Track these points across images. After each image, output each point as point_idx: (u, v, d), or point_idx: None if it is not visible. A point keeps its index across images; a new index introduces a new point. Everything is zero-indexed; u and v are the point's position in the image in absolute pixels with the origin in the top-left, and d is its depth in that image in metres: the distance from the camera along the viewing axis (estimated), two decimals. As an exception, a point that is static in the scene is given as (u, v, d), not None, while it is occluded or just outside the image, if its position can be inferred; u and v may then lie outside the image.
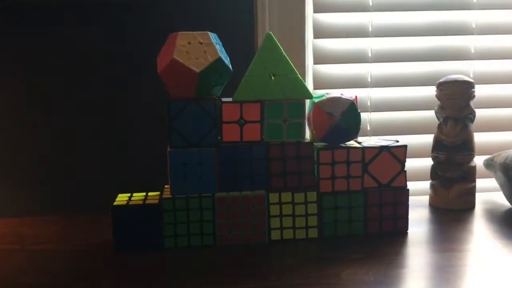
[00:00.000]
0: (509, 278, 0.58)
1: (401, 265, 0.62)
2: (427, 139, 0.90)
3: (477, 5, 0.96)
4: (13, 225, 0.80)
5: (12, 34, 0.88)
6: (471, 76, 0.97)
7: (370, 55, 0.95)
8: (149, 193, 0.73)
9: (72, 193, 0.91)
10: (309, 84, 0.95)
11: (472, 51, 0.97)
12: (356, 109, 0.70)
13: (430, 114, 0.88)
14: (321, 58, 0.95)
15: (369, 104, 0.97)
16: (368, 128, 0.97)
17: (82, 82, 0.90)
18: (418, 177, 0.95)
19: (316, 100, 0.71)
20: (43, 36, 0.88)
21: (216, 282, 0.58)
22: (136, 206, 0.67)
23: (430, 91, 0.89)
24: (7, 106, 0.89)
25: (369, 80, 0.96)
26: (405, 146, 0.71)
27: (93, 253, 0.68)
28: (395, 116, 0.98)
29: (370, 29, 0.95)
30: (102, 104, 0.91)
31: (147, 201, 0.69)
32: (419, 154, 0.96)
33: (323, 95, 0.72)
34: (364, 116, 0.96)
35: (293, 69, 0.69)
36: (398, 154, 0.71)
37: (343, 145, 0.72)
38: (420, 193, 0.91)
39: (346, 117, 0.70)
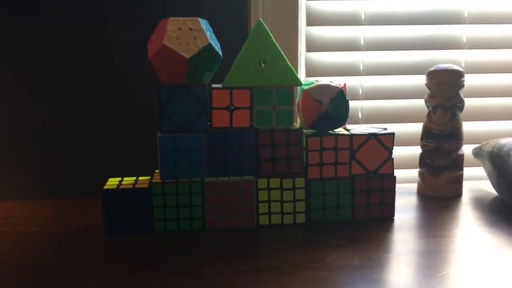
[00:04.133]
0: (492, 264, 0.59)
1: (386, 250, 0.63)
2: (417, 127, 0.90)
3: (470, -6, 0.97)
4: (6, 208, 0.81)
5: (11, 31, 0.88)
6: (463, 65, 0.97)
7: (362, 43, 0.96)
8: (140, 178, 0.73)
9: (65, 177, 0.92)
10: (302, 71, 0.95)
11: (464, 40, 0.98)
12: (345, 97, 0.71)
13: (420, 102, 0.89)
14: (313, 45, 0.95)
15: (360, 92, 0.97)
16: (360, 116, 0.98)
17: (81, 69, 0.90)
18: (408, 165, 0.96)
19: (305, 87, 0.71)
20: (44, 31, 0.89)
21: (205, 265, 0.59)
22: (126, 190, 0.68)
23: (421, 80, 0.90)
24: (5, 91, 0.90)
25: (361, 68, 0.97)
26: (392, 134, 0.72)
27: (84, 236, 0.69)
28: (386, 104, 0.99)
29: (363, 17, 0.95)
30: (99, 90, 0.91)
31: (137, 185, 0.69)
32: (408, 142, 0.97)
33: (312, 82, 0.72)
34: (355, 104, 0.97)
35: (283, 56, 0.69)
36: (386, 141, 0.72)
37: (332, 132, 0.72)
38: (409, 181, 0.93)
39: (335, 104, 0.70)
